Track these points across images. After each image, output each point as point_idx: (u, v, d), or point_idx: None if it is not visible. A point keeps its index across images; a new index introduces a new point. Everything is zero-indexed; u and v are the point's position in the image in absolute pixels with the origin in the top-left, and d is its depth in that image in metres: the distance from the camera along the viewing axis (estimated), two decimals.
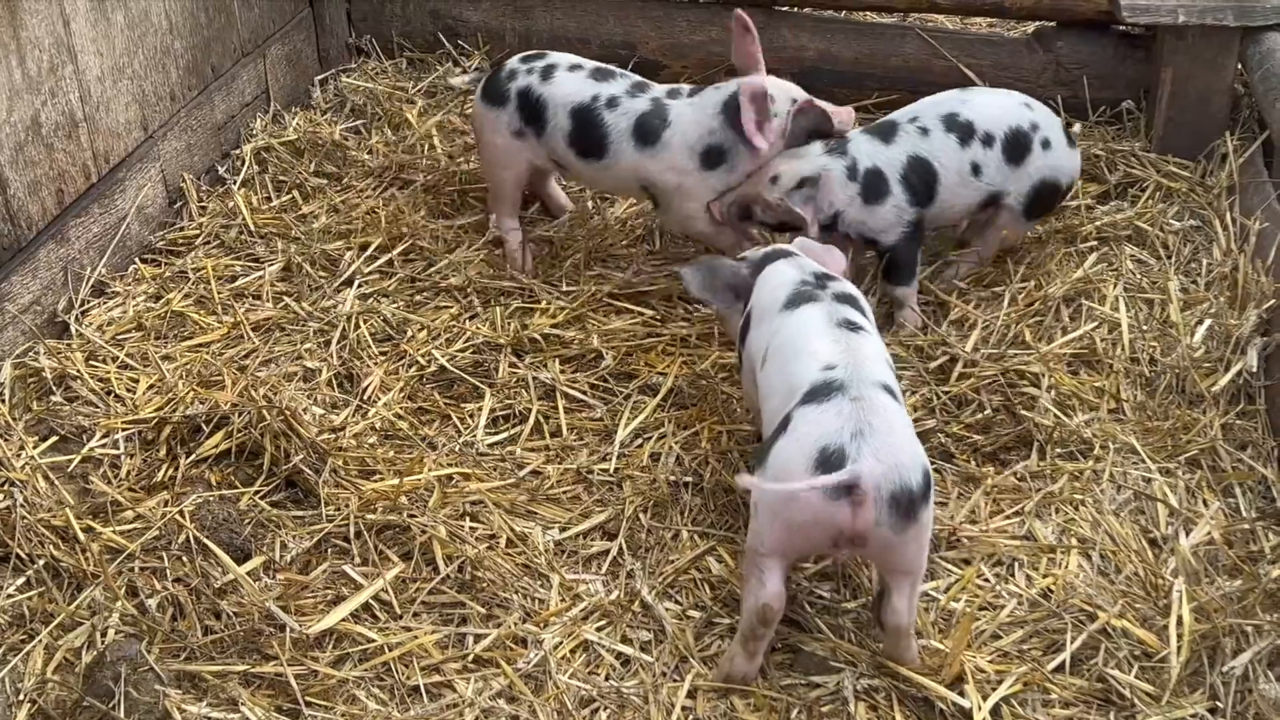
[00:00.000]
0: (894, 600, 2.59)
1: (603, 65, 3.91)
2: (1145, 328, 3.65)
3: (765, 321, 2.93)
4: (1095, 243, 4.06)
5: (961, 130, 3.67)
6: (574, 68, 3.87)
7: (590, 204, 4.32)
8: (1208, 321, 3.62)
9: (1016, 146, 3.69)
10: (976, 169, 3.67)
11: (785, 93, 3.67)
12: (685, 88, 3.81)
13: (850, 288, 2.99)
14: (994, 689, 2.62)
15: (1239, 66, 4.41)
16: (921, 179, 3.64)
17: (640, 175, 3.76)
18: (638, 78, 3.88)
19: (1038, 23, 4.98)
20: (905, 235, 3.65)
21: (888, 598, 2.60)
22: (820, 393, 2.57)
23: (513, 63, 3.97)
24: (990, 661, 2.70)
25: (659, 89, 3.80)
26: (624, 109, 3.75)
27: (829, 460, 2.45)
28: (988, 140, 3.67)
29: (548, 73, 3.87)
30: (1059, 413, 3.35)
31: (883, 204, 3.62)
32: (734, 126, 3.63)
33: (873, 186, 3.62)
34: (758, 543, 2.59)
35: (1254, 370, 3.46)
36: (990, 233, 3.86)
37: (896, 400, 2.63)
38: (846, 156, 3.62)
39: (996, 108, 3.74)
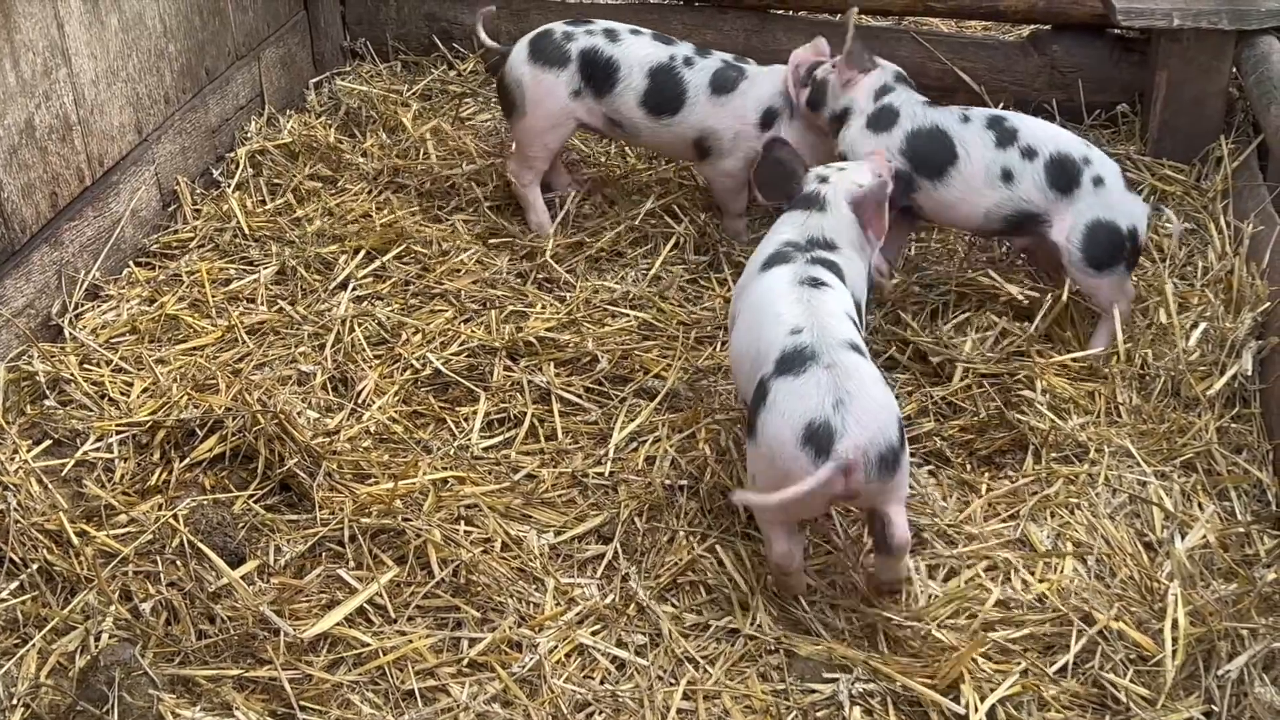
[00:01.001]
0: (894, 521, 2.72)
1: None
2: (1140, 332, 3.65)
3: (745, 285, 3.11)
4: None
5: (1002, 133, 3.61)
6: (634, 31, 4.09)
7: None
8: (1202, 325, 3.62)
9: (1062, 172, 3.55)
10: (1008, 175, 3.57)
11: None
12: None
13: (838, 255, 3.10)
14: (991, 691, 2.62)
15: (1234, 70, 4.41)
16: (931, 150, 3.63)
17: (706, 126, 4.03)
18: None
19: (1033, 26, 4.99)
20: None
21: (888, 523, 2.72)
22: (794, 362, 2.70)
23: (560, 26, 4.09)
24: (987, 665, 2.70)
25: (718, 54, 4.12)
26: (700, 66, 4.04)
27: (816, 435, 2.59)
28: (1029, 153, 3.57)
29: (613, 35, 4.05)
30: (1054, 417, 3.34)
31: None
32: (788, 98, 4.00)
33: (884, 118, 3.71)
34: (761, 515, 2.80)
35: (1249, 374, 3.46)
36: (1099, 301, 3.62)
37: (863, 354, 2.79)
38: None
39: (1049, 130, 3.66)
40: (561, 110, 4.06)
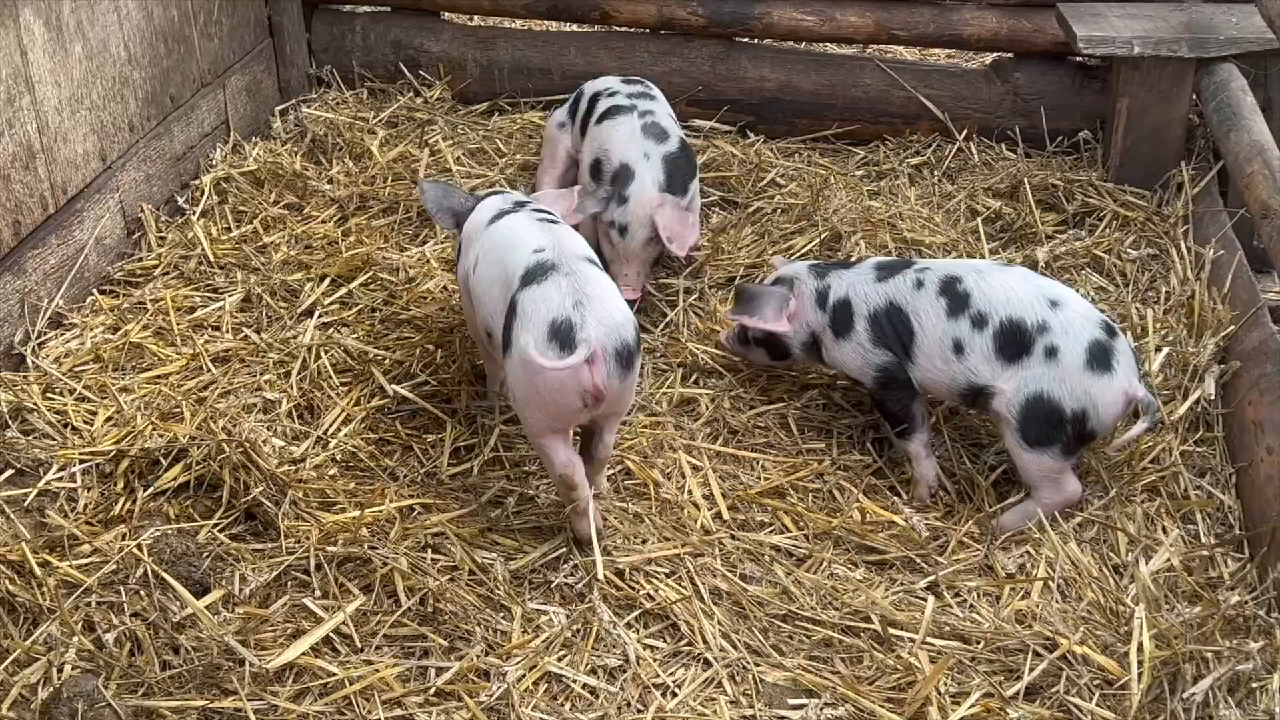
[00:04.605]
0: (605, 437, 3.04)
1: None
2: None
3: (473, 241, 3.29)
4: (1055, 271, 4.09)
5: (954, 299, 3.24)
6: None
7: None
8: (1165, 349, 3.65)
9: (1012, 340, 3.16)
10: (959, 347, 3.22)
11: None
12: None
13: (545, 207, 3.39)
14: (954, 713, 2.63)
15: (1194, 97, 4.46)
16: (895, 329, 3.30)
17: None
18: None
19: (996, 54, 5.03)
20: (878, 382, 3.35)
21: (599, 436, 3.04)
22: (536, 274, 2.94)
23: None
24: (952, 689, 2.71)
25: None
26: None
27: (560, 330, 2.83)
28: (979, 321, 3.20)
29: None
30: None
31: (848, 340, 3.38)
32: None
33: (841, 319, 3.39)
34: (531, 430, 2.99)
35: (1211, 398, 3.49)
36: (1026, 480, 3.23)
37: (602, 269, 3.04)
38: (823, 281, 3.46)
39: (1005, 287, 3.21)
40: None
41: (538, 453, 3.05)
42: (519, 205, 3.34)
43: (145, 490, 3.15)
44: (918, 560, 3.08)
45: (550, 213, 3.33)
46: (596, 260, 3.07)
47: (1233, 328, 3.60)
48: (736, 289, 3.61)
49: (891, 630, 2.85)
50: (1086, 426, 3.10)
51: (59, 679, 2.67)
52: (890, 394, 3.32)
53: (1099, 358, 3.09)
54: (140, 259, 4.15)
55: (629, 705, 2.71)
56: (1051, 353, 3.10)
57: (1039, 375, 3.11)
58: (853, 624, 2.89)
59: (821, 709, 2.66)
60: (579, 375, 2.81)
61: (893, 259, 3.53)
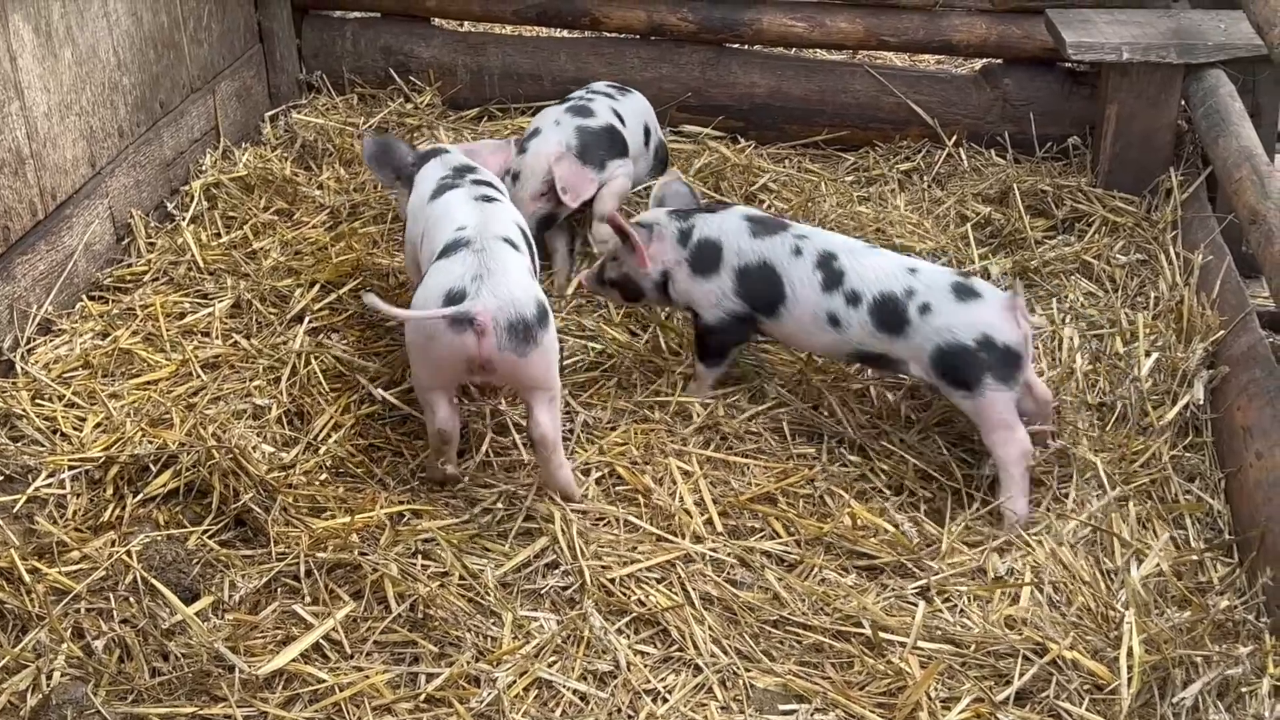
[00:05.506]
0: (536, 414, 3.08)
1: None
2: (1094, 364, 3.68)
3: (419, 214, 3.47)
4: (1045, 276, 4.11)
5: (830, 275, 3.40)
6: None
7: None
8: (1154, 354, 3.66)
9: (889, 313, 3.33)
10: (835, 320, 3.38)
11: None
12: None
13: (487, 175, 3.59)
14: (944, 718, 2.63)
15: (1182, 103, 4.47)
16: (766, 287, 3.46)
17: None
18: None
19: (985, 60, 5.04)
20: (721, 325, 3.54)
21: (531, 415, 3.09)
22: (450, 248, 3.12)
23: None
24: (942, 695, 2.71)
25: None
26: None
27: (452, 299, 2.98)
28: (854, 299, 3.36)
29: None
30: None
31: (707, 280, 3.53)
32: None
33: (705, 258, 3.54)
34: (419, 382, 3.19)
35: (1200, 403, 3.49)
36: (985, 430, 3.30)
37: (518, 251, 3.18)
38: (686, 222, 3.60)
39: (875, 266, 3.38)
40: None
41: (421, 404, 3.22)
42: (460, 174, 3.52)
43: (135, 496, 3.14)
44: (909, 565, 3.08)
45: (492, 184, 3.52)
46: (518, 241, 3.22)
47: (1221, 333, 3.61)
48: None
49: (882, 635, 2.85)
50: (998, 345, 3.24)
51: (48, 686, 2.66)
52: (722, 336, 3.57)
53: (964, 292, 3.29)
54: (130, 265, 4.14)
55: (619, 711, 2.70)
56: (925, 309, 3.29)
57: (925, 333, 3.29)
58: (843, 629, 2.89)
59: (812, 714, 2.66)
60: (464, 342, 2.96)
61: (763, 214, 3.70)
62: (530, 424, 3.10)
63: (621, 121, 4.22)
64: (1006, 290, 3.35)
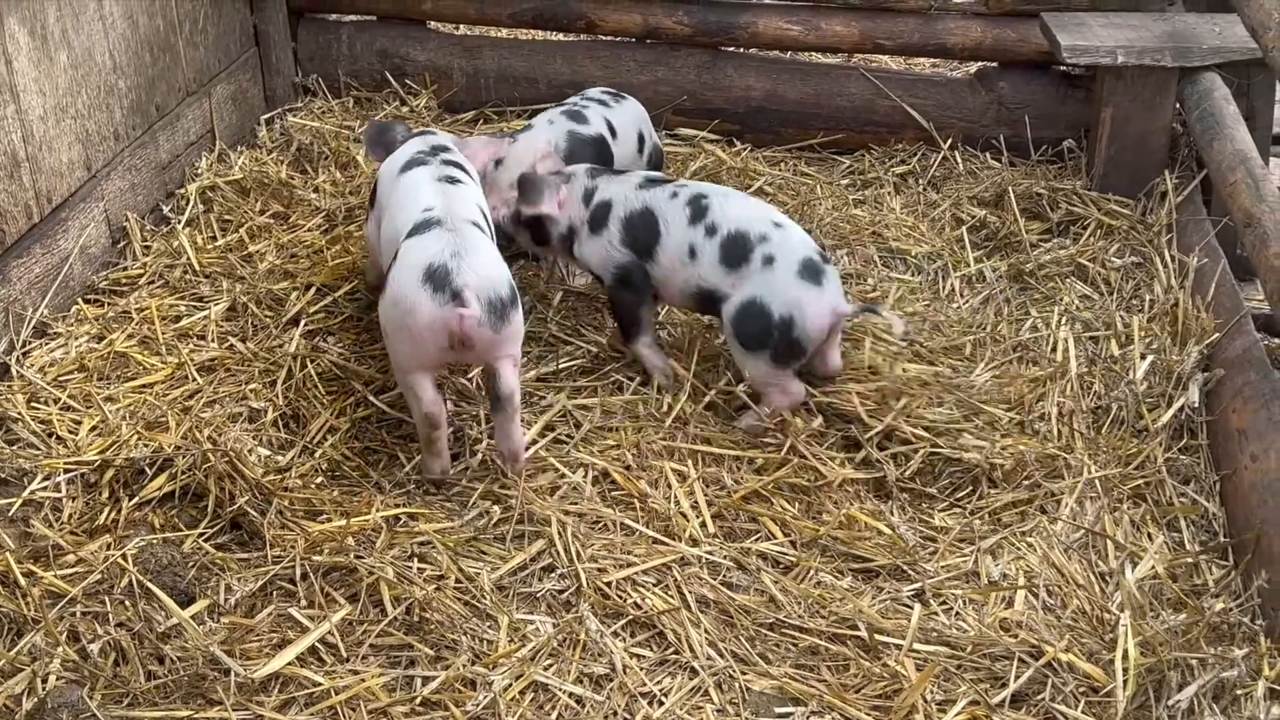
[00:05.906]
0: (501, 374, 3.16)
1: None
2: (1089, 367, 3.69)
3: (389, 182, 3.52)
4: (1040, 279, 4.11)
5: (697, 210, 3.52)
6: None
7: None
8: (1149, 357, 3.67)
9: (735, 248, 3.45)
10: (693, 252, 3.50)
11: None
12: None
13: (459, 158, 3.60)
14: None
15: (1177, 106, 4.48)
16: (645, 231, 3.58)
17: None
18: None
19: (980, 63, 5.05)
20: (616, 279, 3.65)
21: (496, 376, 3.17)
22: (422, 227, 3.17)
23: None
24: (938, 698, 2.71)
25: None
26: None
27: (435, 274, 3.04)
28: (711, 230, 3.48)
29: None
30: (1004, 448, 3.37)
31: (599, 236, 3.67)
32: None
33: (598, 217, 3.67)
34: (400, 365, 3.19)
35: (1195, 406, 3.50)
36: (752, 384, 3.49)
37: (485, 235, 3.26)
38: (593, 181, 3.73)
39: (740, 209, 3.52)
40: None
41: (404, 392, 3.23)
42: (434, 152, 3.55)
43: (130, 500, 3.14)
44: (904, 568, 3.08)
45: (461, 166, 3.54)
46: (482, 224, 3.29)
47: (1216, 336, 3.62)
48: (522, 177, 3.77)
49: (878, 638, 2.85)
50: (793, 334, 3.36)
51: (44, 689, 2.66)
52: (623, 294, 3.63)
53: (811, 272, 3.37)
54: (125, 268, 4.14)
55: (615, 714, 2.70)
56: (768, 260, 3.40)
57: (755, 282, 3.40)
58: (839, 632, 2.89)
59: (808, 717, 2.67)
60: (448, 317, 3.01)
61: (662, 175, 3.88)
62: (497, 383, 3.17)
63: (613, 132, 4.22)
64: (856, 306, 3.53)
